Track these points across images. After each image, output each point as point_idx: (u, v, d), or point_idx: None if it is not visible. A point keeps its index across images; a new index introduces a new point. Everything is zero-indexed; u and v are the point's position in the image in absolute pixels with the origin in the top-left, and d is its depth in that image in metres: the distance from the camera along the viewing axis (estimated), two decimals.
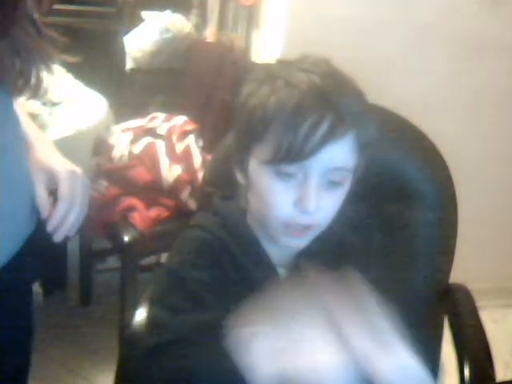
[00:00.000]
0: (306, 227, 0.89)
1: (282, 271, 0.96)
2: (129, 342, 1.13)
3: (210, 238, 0.95)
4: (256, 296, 0.92)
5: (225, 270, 0.93)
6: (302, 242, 0.92)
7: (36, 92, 0.88)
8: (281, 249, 0.95)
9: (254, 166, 0.89)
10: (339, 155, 0.86)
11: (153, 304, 0.94)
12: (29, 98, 0.90)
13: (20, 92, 0.87)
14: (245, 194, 0.96)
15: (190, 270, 0.92)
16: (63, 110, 2.08)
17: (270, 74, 0.89)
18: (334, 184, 0.88)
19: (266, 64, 0.94)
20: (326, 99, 0.83)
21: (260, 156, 0.87)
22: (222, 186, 1.07)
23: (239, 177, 0.95)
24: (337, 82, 0.87)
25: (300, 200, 0.86)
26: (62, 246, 2.49)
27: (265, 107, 0.86)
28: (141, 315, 1.10)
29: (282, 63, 0.92)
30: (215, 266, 0.93)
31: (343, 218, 0.95)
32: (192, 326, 0.87)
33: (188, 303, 0.89)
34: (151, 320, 0.93)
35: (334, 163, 0.86)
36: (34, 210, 0.99)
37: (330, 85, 0.85)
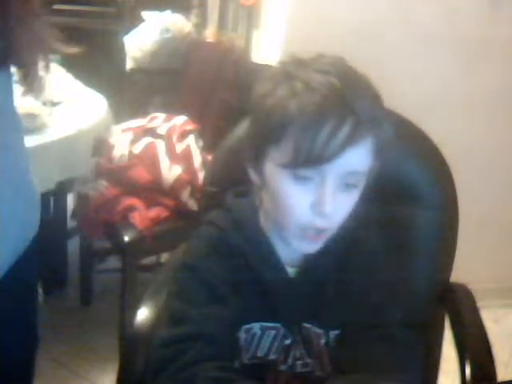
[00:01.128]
0: (322, 231, 0.88)
1: (291, 270, 0.96)
2: (129, 342, 1.13)
3: (223, 234, 0.96)
4: (265, 294, 0.93)
5: (236, 266, 0.94)
6: (315, 246, 0.92)
7: (32, 87, 0.88)
8: (291, 248, 0.95)
9: (270, 168, 0.88)
10: (357, 159, 0.85)
11: (170, 297, 0.96)
12: (25, 94, 0.90)
13: (21, 85, 0.87)
14: (259, 193, 0.95)
15: (206, 265, 0.93)
16: (63, 110, 2.08)
17: (286, 74, 0.87)
18: (349, 186, 0.87)
19: (281, 62, 0.92)
20: (346, 103, 0.82)
21: (277, 159, 0.86)
22: (224, 185, 1.07)
23: (253, 175, 0.94)
24: (354, 83, 0.86)
25: (317, 203, 0.85)
26: (63, 245, 2.50)
27: (284, 110, 0.84)
28: (141, 315, 1.10)
29: (297, 62, 0.89)
30: (228, 261, 0.94)
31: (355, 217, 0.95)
32: (208, 320, 0.88)
33: (205, 297, 0.91)
34: (169, 312, 0.94)
35: (352, 167, 0.85)
36: (37, 211, 0.99)
37: (349, 87, 0.84)
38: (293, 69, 0.87)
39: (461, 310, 1.18)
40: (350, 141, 0.82)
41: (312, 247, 0.92)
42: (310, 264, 0.95)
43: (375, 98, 0.88)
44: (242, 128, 1.20)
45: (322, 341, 0.95)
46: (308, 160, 0.82)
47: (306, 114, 0.82)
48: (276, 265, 0.95)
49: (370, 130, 0.84)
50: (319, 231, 0.88)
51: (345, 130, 0.81)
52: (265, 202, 0.94)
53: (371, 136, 0.85)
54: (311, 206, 0.86)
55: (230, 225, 0.97)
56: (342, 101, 0.82)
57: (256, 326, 0.94)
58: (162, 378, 0.87)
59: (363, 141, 0.84)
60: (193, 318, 0.89)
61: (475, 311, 1.17)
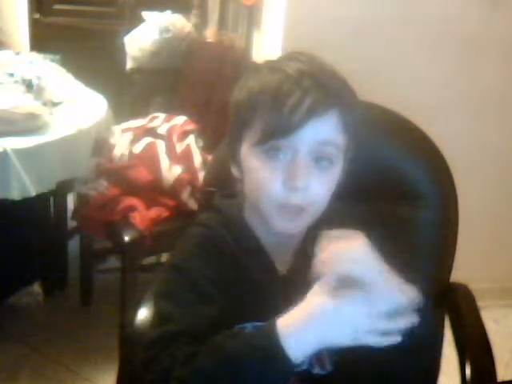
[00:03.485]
0: (299, 208, 0.89)
1: (280, 266, 0.96)
2: (129, 342, 1.13)
3: (212, 234, 0.96)
4: (256, 292, 0.92)
5: (225, 265, 0.94)
6: (294, 224, 0.92)
7: None
8: (280, 244, 0.95)
9: (244, 151, 0.92)
10: (325, 130, 0.87)
11: (157, 298, 0.95)
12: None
13: None
14: (242, 188, 0.96)
15: (193, 265, 0.93)
16: (64, 110, 2.08)
17: (256, 68, 0.93)
18: (323, 162, 0.88)
19: (255, 62, 0.97)
20: (309, 78, 0.86)
21: (250, 140, 0.90)
22: (224, 185, 1.07)
23: (234, 171, 0.97)
24: (319, 66, 0.90)
25: (289, 178, 0.86)
26: (63, 246, 2.50)
27: (250, 94, 0.89)
28: (141, 315, 1.10)
29: (269, 59, 0.95)
30: (216, 261, 0.94)
31: (344, 215, 0.95)
32: (195, 319, 0.88)
33: (191, 297, 0.90)
34: (156, 313, 0.94)
35: (321, 136, 0.87)
36: None
37: (313, 67, 0.88)
38: (264, 63, 0.94)
39: (461, 309, 1.18)
40: (314, 111, 0.85)
41: (292, 225, 0.91)
42: (301, 261, 0.95)
43: (341, 78, 0.91)
44: None
45: None
46: (275, 132, 0.85)
47: (268, 91, 0.86)
48: (265, 262, 0.95)
49: (335, 102, 0.87)
50: (297, 209, 0.89)
51: (308, 101, 0.84)
52: (246, 193, 0.95)
53: (336, 108, 0.87)
54: (284, 182, 0.87)
55: (218, 224, 0.97)
56: (304, 76, 0.86)
57: (249, 326, 0.93)
58: (148, 379, 0.87)
59: (328, 112, 0.86)
60: (178, 317, 0.89)
61: (475, 311, 1.17)
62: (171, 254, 1.01)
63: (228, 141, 0.97)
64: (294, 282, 0.93)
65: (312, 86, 0.85)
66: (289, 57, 0.91)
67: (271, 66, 0.90)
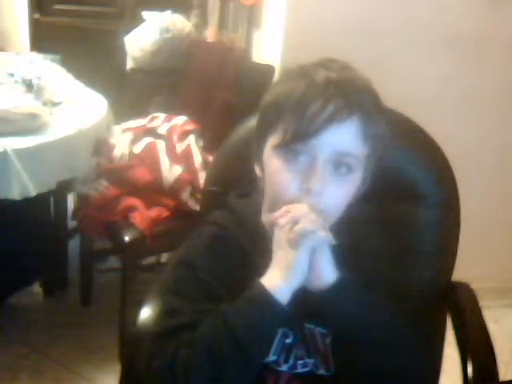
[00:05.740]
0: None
1: None
2: (130, 342, 1.13)
3: (224, 233, 0.97)
4: None
5: (236, 265, 0.95)
6: None
7: None
8: None
9: (267, 153, 0.93)
10: (345, 139, 0.88)
11: (166, 293, 0.96)
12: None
13: None
14: (262, 188, 0.97)
15: (204, 264, 0.94)
16: (64, 110, 2.08)
17: (288, 72, 0.95)
18: (342, 171, 0.89)
19: (289, 67, 0.98)
20: (334, 86, 0.87)
21: (272, 142, 0.91)
22: (226, 184, 1.07)
23: (257, 170, 0.98)
24: (350, 75, 0.91)
25: (305, 180, 0.88)
26: (63, 246, 2.50)
27: (277, 98, 0.91)
28: (145, 313, 1.10)
29: (302, 64, 0.95)
30: (228, 260, 0.94)
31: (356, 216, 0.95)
32: (204, 316, 0.88)
33: (201, 294, 0.92)
34: (164, 307, 0.95)
35: (341, 147, 0.88)
36: None
37: (342, 77, 0.90)
38: (296, 68, 0.94)
39: (463, 308, 1.18)
40: (334, 118, 0.86)
41: None
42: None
43: (371, 93, 0.92)
44: (244, 127, 1.20)
45: (328, 340, 0.95)
46: (295, 135, 0.87)
47: (295, 96, 0.88)
48: None
49: (357, 112, 0.88)
50: None
51: (329, 109, 0.86)
52: (265, 194, 0.95)
53: (356, 117, 0.88)
54: (300, 184, 0.88)
55: (233, 224, 0.98)
56: (331, 84, 0.88)
57: None
58: (154, 369, 0.87)
59: (350, 120, 0.87)
60: (186, 312, 0.90)
61: (477, 310, 1.17)
62: (180, 250, 1.01)
63: (253, 140, 0.98)
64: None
65: (336, 94, 0.87)
66: (320, 63, 0.93)
67: (302, 71, 0.92)
